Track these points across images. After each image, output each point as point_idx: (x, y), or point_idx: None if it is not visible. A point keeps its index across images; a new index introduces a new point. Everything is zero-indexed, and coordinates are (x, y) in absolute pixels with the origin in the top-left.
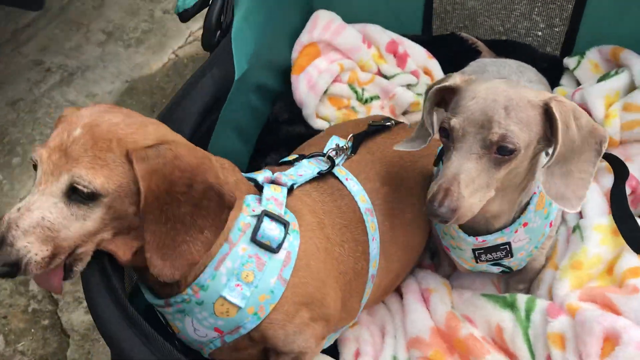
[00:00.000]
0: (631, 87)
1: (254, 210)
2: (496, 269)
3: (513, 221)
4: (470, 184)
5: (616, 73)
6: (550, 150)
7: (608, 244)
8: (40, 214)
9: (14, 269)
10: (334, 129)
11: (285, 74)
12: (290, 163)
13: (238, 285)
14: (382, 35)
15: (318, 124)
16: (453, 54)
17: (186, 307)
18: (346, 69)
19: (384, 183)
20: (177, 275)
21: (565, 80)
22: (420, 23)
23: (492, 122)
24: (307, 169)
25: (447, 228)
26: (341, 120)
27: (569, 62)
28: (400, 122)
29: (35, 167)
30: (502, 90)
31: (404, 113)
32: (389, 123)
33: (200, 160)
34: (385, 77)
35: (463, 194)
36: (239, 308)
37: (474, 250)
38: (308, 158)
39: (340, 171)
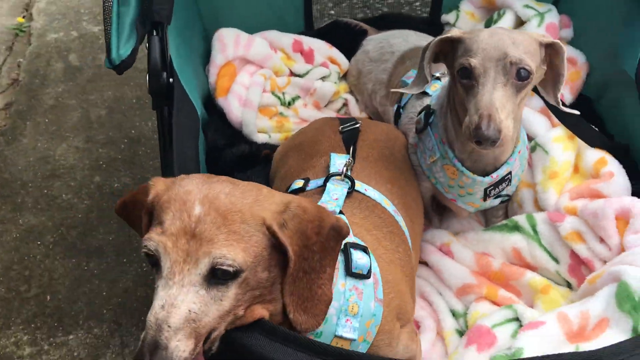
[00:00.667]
0: (519, 23)
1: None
2: (498, 201)
3: (512, 153)
4: (503, 109)
5: (499, 15)
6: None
7: (569, 149)
8: (187, 307)
9: None
10: (294, 143)
11: (204, 100)
12: (301, 190)
13: (348, 320)
14: (283, 38)
15: (260, 138)
16: (341, 39)
17: None
18: (267, 78)
19: (390, 181)
20: (321, 321)
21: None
22: (303, 19)
23: (507, 53)
24: (336, 192)
25: (459, 177)
26: (277, 129)
27: (448, 17)
28: (361, 119)
29: (148, 255)
30: (504, 31)
31: (327, 105)
32: (357, 125)
33: (315, 205)
34: (299, 75)
35: (502, 117)
36: (353, 340)
37: (485, 190)
38: (327, 181)
39: (357, 184)
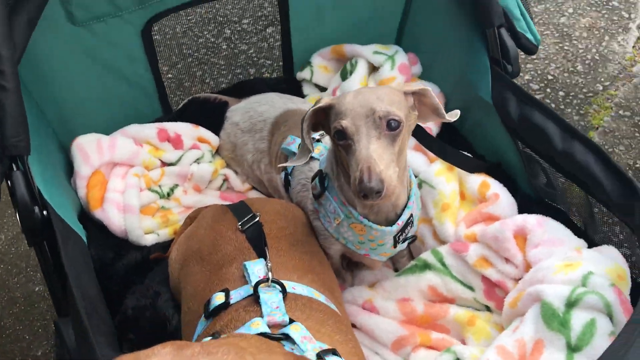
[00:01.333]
0: (372, 69)
1: None
2: (405, 244)
3: (409, 196)
4: (382, 160)
5: (352, 65)
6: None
7: (452, 180)
8: None
9: None
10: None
11: (79, 216)
12: (226, 304)
13: None
14: (146, 130)
15: (149, 240)
16: (203, 116)
17: None
18: (140, 176)
19: (309, 269)
20: None
21: (307, 89)
22: (159, 105)
23: (373, 109)
24: (272, 300)
25: (367, 232)
26: (163, 225)
27: (303, 74)
28: (250, 199)
29: None
30: (368, 90)
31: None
32: (257, 219)
33: None
34: (172, 164)
35: (381, 167)
36: None
37: (394, 237)
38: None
39: (286, 285)
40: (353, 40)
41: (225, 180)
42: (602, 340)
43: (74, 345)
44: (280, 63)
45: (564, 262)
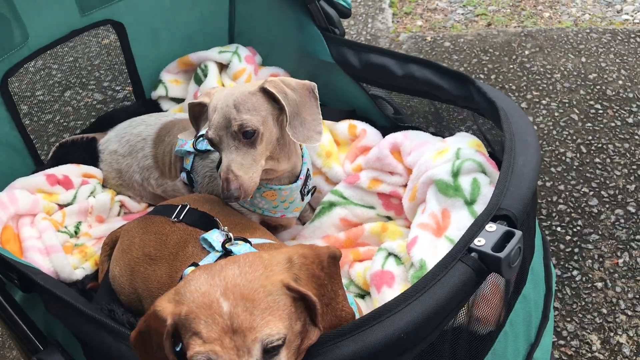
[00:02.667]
0: (222, 67)
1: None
2: (309, 196)
3: (303, 155)
4: (240, 167)
5: (203, 70)
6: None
7: (325, 131)
8: None
9: None
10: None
11: None
12: None
13: None
14: (34, 179)
15: (78, 274)
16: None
17: None
18: (49, 220)
19: (246, 227)
20: None
21: (166, 105)
22: (30, 159)
23: (230, 121)
24: (245, 249)
25: (279, 195)
26: (84, 260)
27: (158, 92)
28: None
29: None
30: (230, 94)
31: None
32: (187, 205)
33: (307, 246)
34: (69, 204)
35: (239, 174)
36: None
37: (300, 191)
38: (226, 249)
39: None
40: (192, 50)
41: (122, 206)
42: (486, 189)
43: None
44: (131, 89)
45: (436, 151)
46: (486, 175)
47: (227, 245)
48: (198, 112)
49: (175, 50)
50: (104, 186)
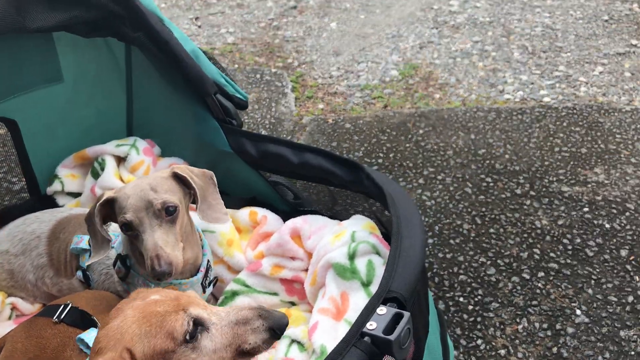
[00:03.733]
0: (120, 160)
1: None
2: (211, 287)
3: (203, 247)
4: (166, 244)
5: (100, 163)
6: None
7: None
8: None
9: None
10: None
11: None
12: None
13: None
14: None
15: None
16: None
17: None
18: None
19: None
20: None
21: (62, 200)
22: None
23: (151, 201)
24: None
25: (180, 289)
26: None
27: (54, 187)
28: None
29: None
30: (142, 181)
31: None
32: (68, 305)
33: None
34: None
35: (168, 251)
36: None
37: (202, 284)
38: None
39: None
40: (89, 144)
41: (14, 308)
42: (380, 270)
43: None
44: (24, 186)
45: (334, 234)
46: (380, 257)
47: None
48: (105, 214)
49: (72, 145)
50: None
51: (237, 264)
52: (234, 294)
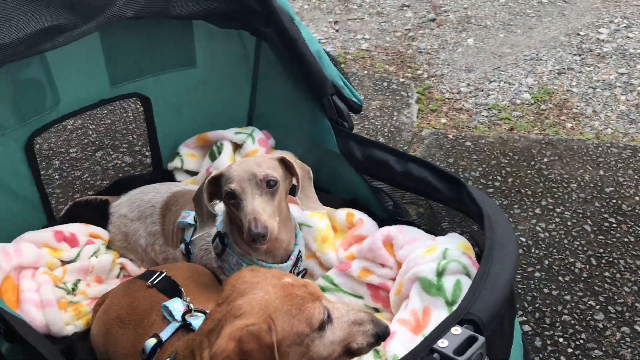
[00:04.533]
0: (236, 146)
1: None
2: (300, 277)
3: (296, 237)
4: (264, 212)
5: (218, 147)
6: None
7: (324, 217)
8: None
9: None
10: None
11: None
12: (159, 343)
13: None
14: (42, 234)
15: (69, 330)
16: (88, 216)
17: None
18: (49, 274)
19: (211, 300)
20: None
21: (180, 176)
22: (43, 214)
23: (254, 173)
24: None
25: None
26: (76, 318)
27: (174, 164)
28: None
29: None
30: (249, 159)
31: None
32: (163, 272)
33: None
34: (72, 261)
35: (265, 217)
36: None
37: (291, 272)
38: (185, 321)
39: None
40: (212, 129)
41: (122, 268)
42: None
43: None
44: (149, 159)
45: (426, 249)
46: (469, 278)
47: (186, 317)
48: (212, 192)
49: (196, 127)
50: (108, 247)
51: (328, 261)
52: (321, 290)
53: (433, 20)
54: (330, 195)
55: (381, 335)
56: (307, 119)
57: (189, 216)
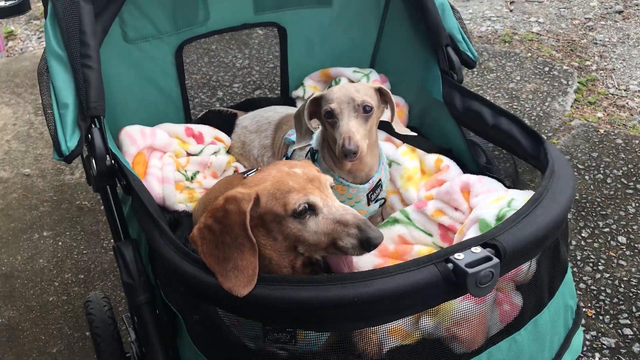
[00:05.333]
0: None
1: None
2: (377, 205)
3: (378, 164)
4: (358, 132)
5: (336, 82)
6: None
7: (414, 158)
8: None
9: None
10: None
11: None
12: None
13: None
14: (176, 127)
15: (180, 207)
16: (217, 123)
17: None
18: (173, 159)
19: None
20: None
21: (300, 104)
22: (182, 113)
23: (353, 97)
24: None
25: (346, 191)
26: (189, 200)
27: (297, 92)
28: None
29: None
30: (349, 84)
31: (222, 174)
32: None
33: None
34: (195, 154)
35: (358, 137)
36: None
37: (367, 196)
38: None
39: None
40: (336, 66)
41: (235, 171)
42: None
43: (132, 260)
44: (279, 85)
45: (496, 197)
46: None
47: None
48: (313, 112)
49: (322, 62)
50: (228, 152)
51: (408, 197)
52: (395, 221)
53: (620, 12)
54: (427, 140)
55: (364, 242)
56: (421, 67)
57: (293, 134)
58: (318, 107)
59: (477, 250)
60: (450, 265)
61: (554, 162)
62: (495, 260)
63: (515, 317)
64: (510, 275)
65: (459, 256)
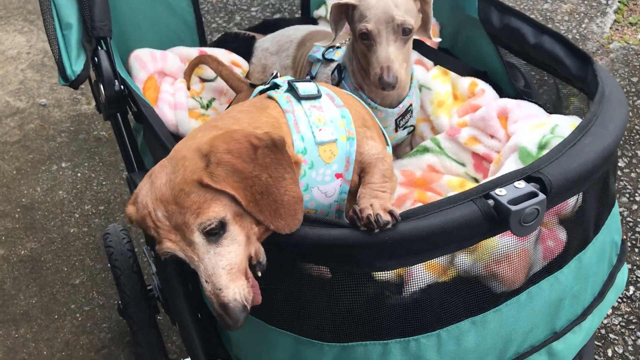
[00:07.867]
0: None
1: (283, 92)
2: (405, 132)
3: (409, 89)
4: (397, 60)
5: None
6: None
7: (446, 82)
8: (220, 267)
9: None
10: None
11: None
12: None
13: (320, 129)
14: (190, 51)
15: None
16: (233, 47)
17: (306, 180)
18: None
19: None
20: (300, 218)
21: (323, 25)
22: (197, 36)
23: (393, 17)
24: None
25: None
26: None
27: (319, 12)
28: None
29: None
30: None
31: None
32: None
33: (239, 135)
34: (210, 80)
35: (397, 67)
36: (335, 140)
37: (396, 121)
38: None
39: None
40: None
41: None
42: None
43: None
44: (299, 8)
45: (537, 123)
46: None
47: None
48: (338, 17)
49: None
50: (246, 77)
51: (439, 125)
52: (426, 149)
53: None
54: (461, 62)
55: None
56: None
57: (318, 51)
58: (352, 15)
59: (521, 184)
60: (491, 201)
61: (604, 84)
62: (542, 196)
63: (558, 254)
64: (555, 210)
65: (501, 192)
